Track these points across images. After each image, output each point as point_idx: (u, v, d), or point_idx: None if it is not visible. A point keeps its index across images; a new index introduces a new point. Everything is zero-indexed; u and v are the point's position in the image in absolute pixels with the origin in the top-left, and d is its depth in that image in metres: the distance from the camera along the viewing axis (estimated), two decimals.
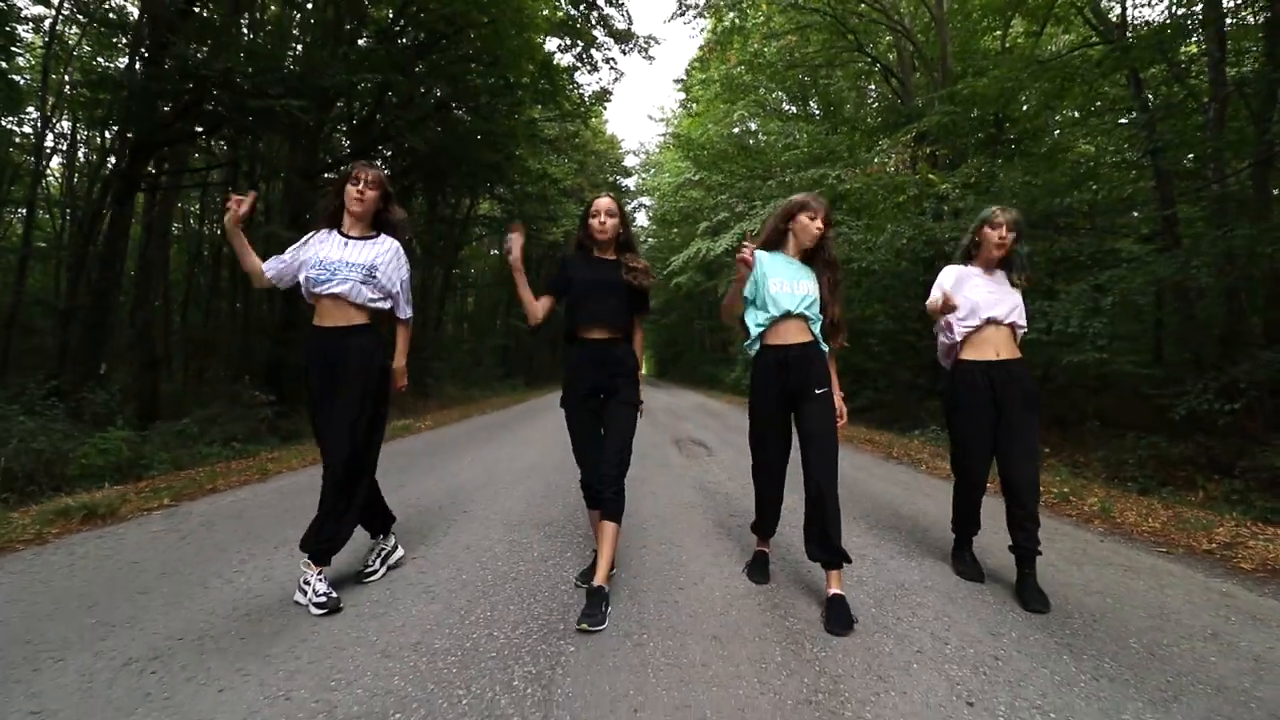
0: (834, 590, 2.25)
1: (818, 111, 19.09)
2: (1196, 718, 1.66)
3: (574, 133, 22.84)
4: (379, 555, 2.66)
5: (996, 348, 2.58)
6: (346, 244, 2.43)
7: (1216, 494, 5.10)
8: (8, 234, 17.74)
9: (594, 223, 2.46)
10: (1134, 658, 2.00)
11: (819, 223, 2.41)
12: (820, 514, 2.29)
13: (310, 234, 2.50)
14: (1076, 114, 12.15)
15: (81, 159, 18.24)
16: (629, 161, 35.15)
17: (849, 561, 2.32)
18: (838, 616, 2.15)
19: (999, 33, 13.22)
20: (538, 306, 2.48)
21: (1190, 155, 8.92)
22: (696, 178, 20.00)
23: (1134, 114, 9.70)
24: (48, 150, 16.13)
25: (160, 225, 10.67)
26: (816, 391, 2.34)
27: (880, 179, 10.05)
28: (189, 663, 1.85)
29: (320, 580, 2.27)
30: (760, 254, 2.40)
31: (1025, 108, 11.69)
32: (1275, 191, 8.40)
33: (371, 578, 2.56)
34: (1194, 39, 9.12)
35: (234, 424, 6.98)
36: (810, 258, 2.49)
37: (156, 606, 2.28)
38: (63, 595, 2.41)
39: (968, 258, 2.73)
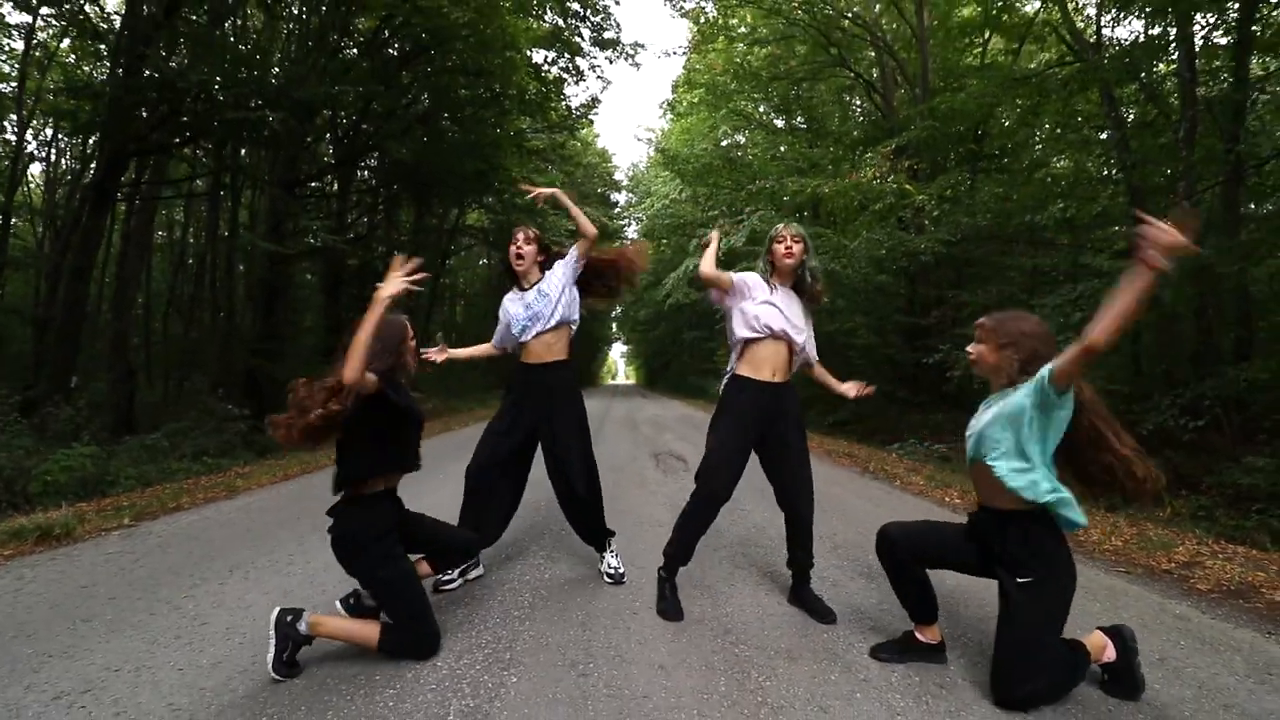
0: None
1: (803, 124, 19.33)
2: None
3: (561, 143, 22.93)
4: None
5: (774, 368, 2.53)
6: (523, 296, 2.81)
7: (1183, 510, 5.14)
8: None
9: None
10: (1079, 685, 2.00)
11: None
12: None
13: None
14: (1057, 130, 12.28)
15: (65, 166, 18.08)
16: (618, 177, 35.17)
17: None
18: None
19: (978, 50, 13.46)
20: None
21: (1165, 171, 9.07)
22: (684, 196, 20.12)
23: (1107, 133, 9.91)
24: (28, 156, 15.97)
25: (139, 236, 10.58)
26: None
27: (858, 185, 10.14)
28: (121, 696, 1.82)
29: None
30: None
31: (1005, 123, 11.90)
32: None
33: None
34: (1167, 59, 9.31)
35: (206, 438, 6.90)
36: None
37: (98, 635, 2.24)
38: (3, 623, 2.36)
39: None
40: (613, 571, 2.91)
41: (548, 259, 2.87)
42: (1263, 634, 2.51)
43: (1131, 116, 10.41)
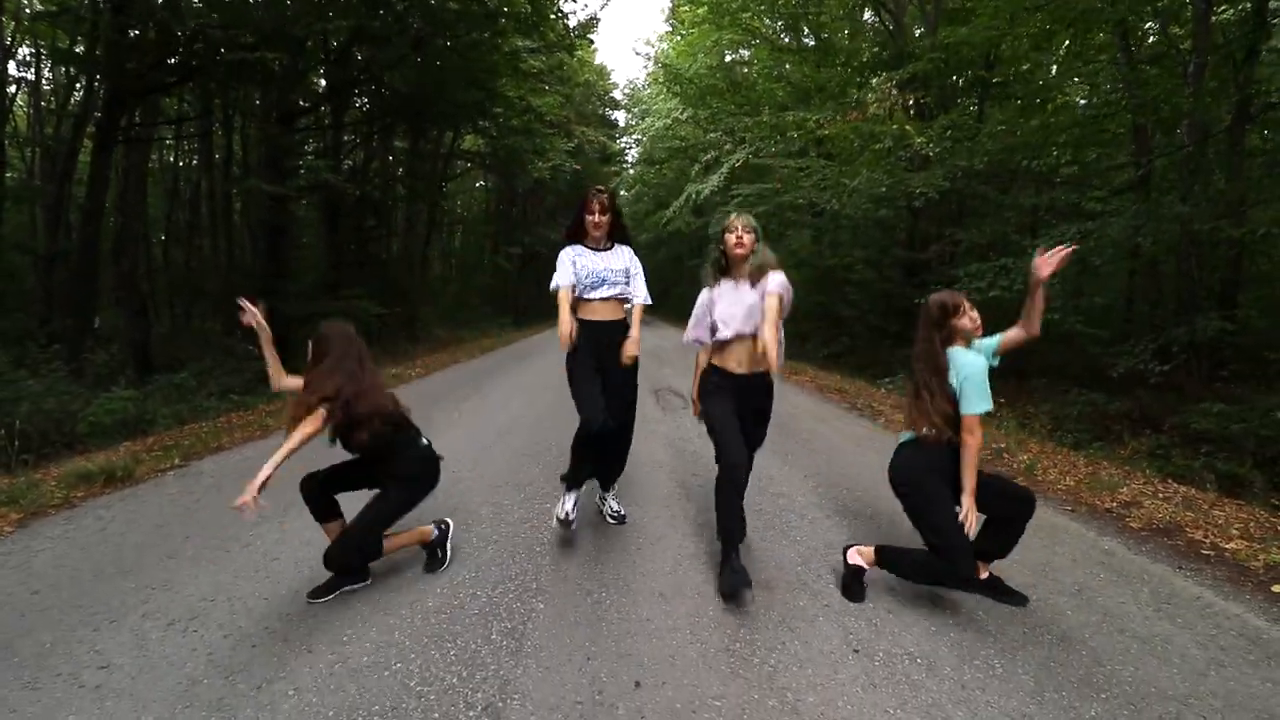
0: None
1: (811, 40, 18.59)
2: (1035, 664, 2.10)
3: (559, 63, 22.07)
4: (609, 500, 3.32)
5: (738, 360, 2.67)
6: (602, 256, 3.03)
7: (1141, 449, 5.58)
8: None
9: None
10: (1002, 611, 2.43)
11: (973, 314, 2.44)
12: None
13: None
14: (1073, 55, 11.87)
15: (45, 87, 17.50)
16: (616, 95, 33.88)
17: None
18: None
19: None
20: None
21: (1181, 107, 8.91)
22: (685, 116, 19.54)
23: (1118, 65, 9.69)
24: (12, 80, 15.47)
25: (137, 170, 10.54)
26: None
27: (858, 127, 10.04)
28: (224, 621, 2.25)
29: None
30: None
31: (1024, 43, 11.51)
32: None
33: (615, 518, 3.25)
34: None
35: (229, 377, 7.27)
36: None
37: (185, 571, 2.66)
38: (100, 561, 2.78)
39: (722, 272, 2.77)
40: (615, 512, 3.27)
41: (616, 224, 3.05)
42: (1174, 568, 2.94)
43: (1154, 39, 10.14)
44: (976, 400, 2.27)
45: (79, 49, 11.67)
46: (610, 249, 3.07)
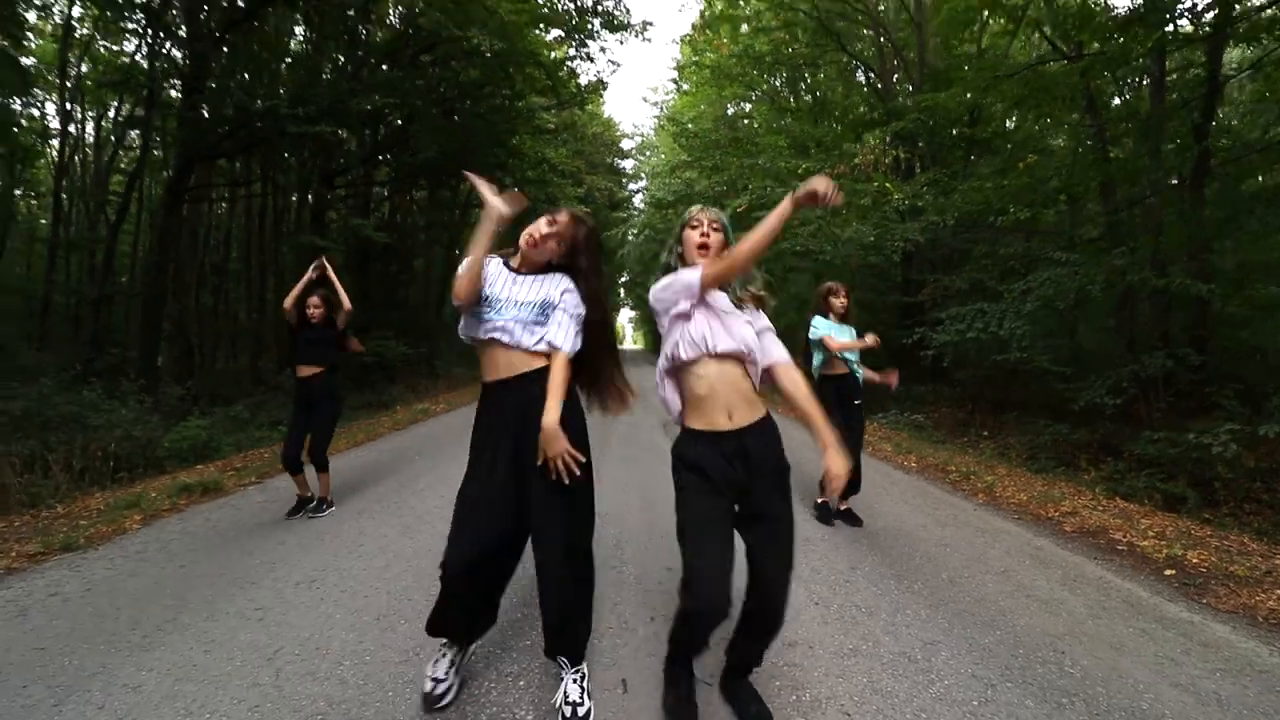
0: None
1: (808, 96, 19.95)
2: (951, 614, 2.76)
3: (571, 120, 23.60)
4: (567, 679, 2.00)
5: (729, 406, 1.83)
6: (516, 280, 2.01)
7: (1102, 474, 6.21)
8: (29, 220, 18.78)
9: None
10: (938, 582, 3.10)
11: (843, 298, 4.14)
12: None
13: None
14: (1045, 119, 12.88)
15: (89, 146, 18.93)
16: (625, 144, 35.62)
17: None
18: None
19: (975, 34, 14.00)
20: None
21: (1142, 161, 9.76)
22: (691, 159, 20.80)
23: (1089, 124, 10.64)
24: (71, 137, 16.86)
25: (189, 225, 11.63)
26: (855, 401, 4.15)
27: (842, 180, 10.99)
28: (340, 581, 2.95)
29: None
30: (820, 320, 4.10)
31: (999, 106, 12.54)
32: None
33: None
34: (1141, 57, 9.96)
35: (278, 409, 8.05)
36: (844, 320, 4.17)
37: (293, 553, 3.38)
38: (223, 544, 3.50)
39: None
40: (573, 704, 1.92)
41: (570, 264, 2.04)
42: (1089, 559, 3.59)
43: (1119, 101, 11.13)
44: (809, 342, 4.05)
45: (139, 112, 12.96)
46: (544, 276, 2.03)
